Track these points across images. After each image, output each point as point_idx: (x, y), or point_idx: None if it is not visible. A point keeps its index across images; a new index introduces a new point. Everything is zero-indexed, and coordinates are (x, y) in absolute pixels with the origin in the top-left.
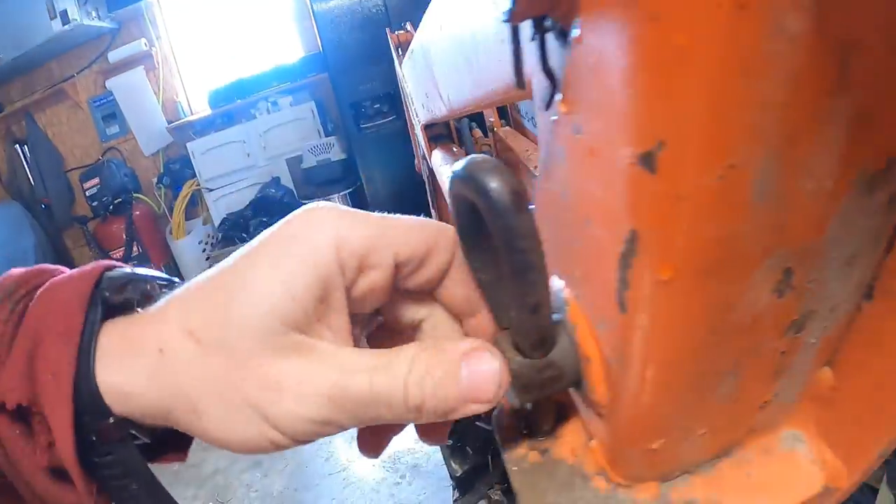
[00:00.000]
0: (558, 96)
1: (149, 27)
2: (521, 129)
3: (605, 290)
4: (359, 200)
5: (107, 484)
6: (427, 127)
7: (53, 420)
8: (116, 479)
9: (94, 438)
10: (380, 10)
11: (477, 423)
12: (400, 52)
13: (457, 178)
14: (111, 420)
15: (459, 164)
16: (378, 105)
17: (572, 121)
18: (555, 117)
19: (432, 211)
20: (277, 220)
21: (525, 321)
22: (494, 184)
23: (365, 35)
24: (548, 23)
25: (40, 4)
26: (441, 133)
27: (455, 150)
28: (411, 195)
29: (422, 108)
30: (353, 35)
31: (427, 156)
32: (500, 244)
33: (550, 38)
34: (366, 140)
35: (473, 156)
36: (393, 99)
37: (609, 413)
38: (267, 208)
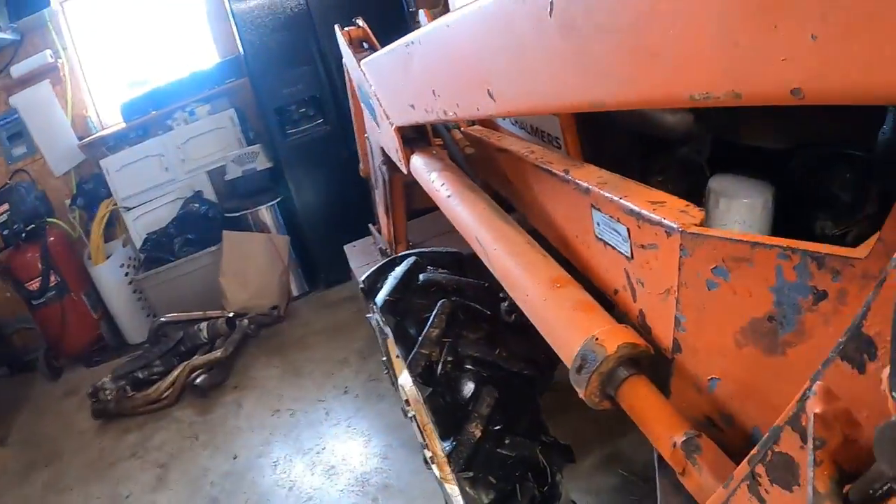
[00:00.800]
0: None
1: (54, 37)
2: (491, 125)
3: None
4: (287, 211)
5: None
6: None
7: None
8: None
9: None
10: (302, 10)
11: (498, 450)
12: (352, 49)
13: None
14: None
15: None
16: (304, 109)
17: None
18: None
19: (384, 218)
20: (203, 236)
21: None
22: None
23: (288, 36)
24: None
25: None
26: (411, 136)
27: (435, 152)
28: (347, 202)
29: (409, 108)
30: (274, 36)
31: (402, 161)
32: None
33: None
34: (293, 147)
35: None
36: (320, 102)
37: None
38: (191, 224)
